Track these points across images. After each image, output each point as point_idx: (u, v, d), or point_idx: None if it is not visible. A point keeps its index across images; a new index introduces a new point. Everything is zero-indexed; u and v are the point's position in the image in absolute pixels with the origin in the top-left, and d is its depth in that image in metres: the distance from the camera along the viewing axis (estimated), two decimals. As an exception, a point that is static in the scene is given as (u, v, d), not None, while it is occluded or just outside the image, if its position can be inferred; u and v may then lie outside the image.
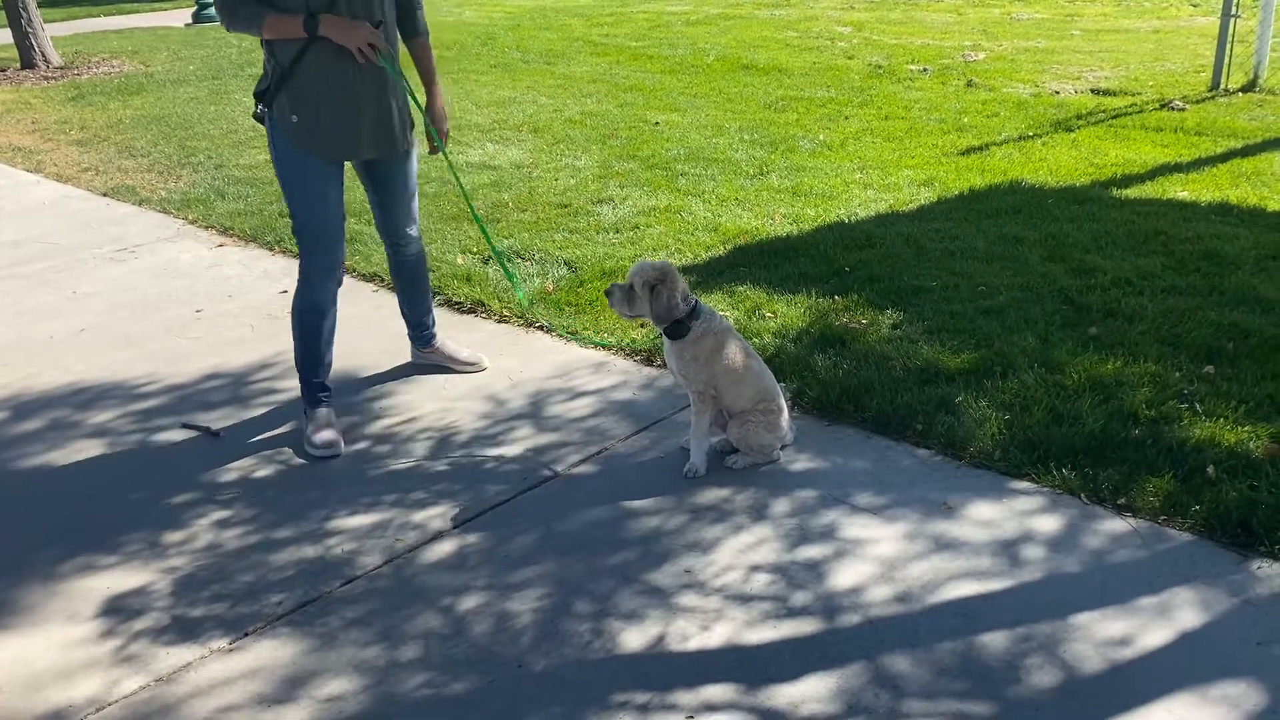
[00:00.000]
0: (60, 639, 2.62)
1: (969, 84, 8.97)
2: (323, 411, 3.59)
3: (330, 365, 3.65)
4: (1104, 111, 7.84)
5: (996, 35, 11.38)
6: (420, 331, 4.04)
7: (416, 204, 3.76)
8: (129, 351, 4.28)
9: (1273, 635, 2.49)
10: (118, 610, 2.72)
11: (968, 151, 6.91)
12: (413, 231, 3.79)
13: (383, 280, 4.96)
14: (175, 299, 4.84)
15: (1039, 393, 3.57)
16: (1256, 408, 3.40)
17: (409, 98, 3.53)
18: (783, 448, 3.36)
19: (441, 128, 3.69)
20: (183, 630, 2.63)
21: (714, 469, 3.31)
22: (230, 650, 2.56)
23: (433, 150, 3.72)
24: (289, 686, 2.42)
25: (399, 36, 3.52)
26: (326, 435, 3.50)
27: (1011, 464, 3.23)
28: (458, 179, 4.16)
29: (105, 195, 6.63)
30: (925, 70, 9.58)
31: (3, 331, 4.50)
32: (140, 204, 6.39)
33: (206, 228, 5.90)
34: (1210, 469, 3.08)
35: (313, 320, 3.55)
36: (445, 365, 4.05)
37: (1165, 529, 2.91)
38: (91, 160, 7.48)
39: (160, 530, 3.06)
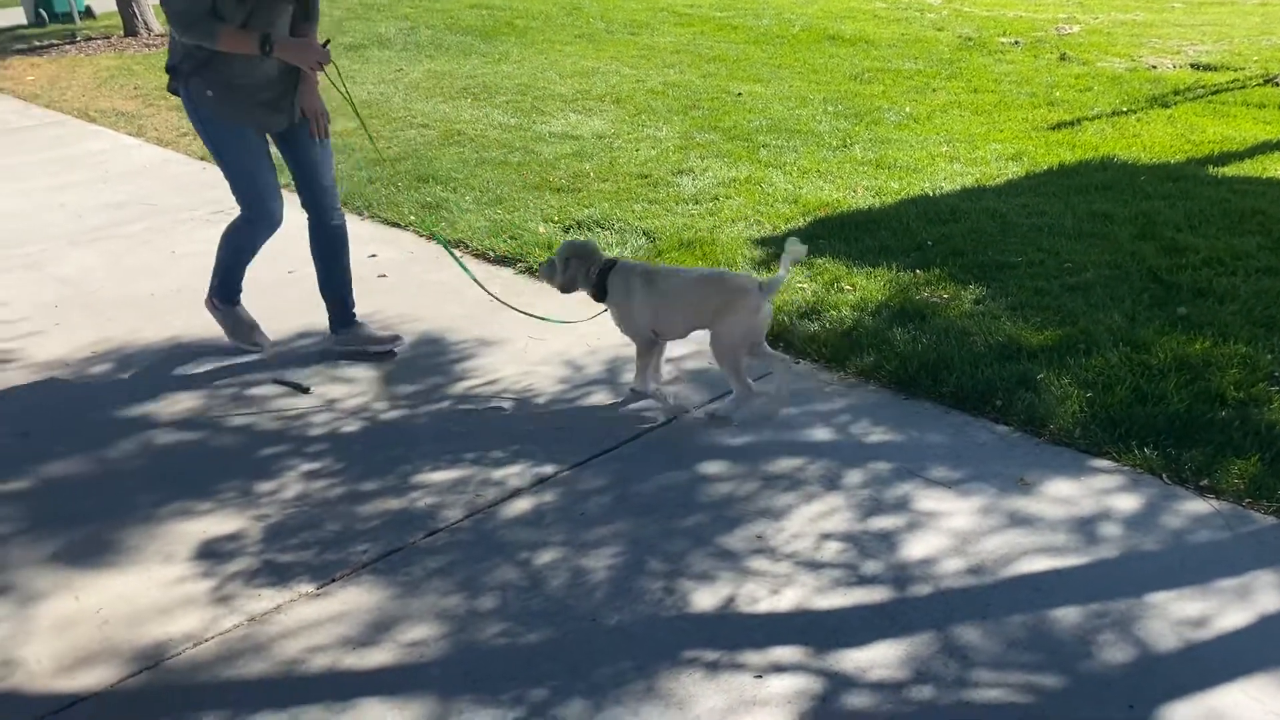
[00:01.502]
0: (160, 578, 2.76)
1: (1062, 57, 8.74)
2: (240, 310, 4.06)
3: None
4: (1203, 87, 7.58)
5: (1092, 8, 11.05)
6: (341, 311, 4.05)
7: (333, 176, 3.96)
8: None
9: (1359, 622, 2.43)
10: (212, 554, 2.86)
11: (1058, 126, 6.76)
12: (334, 203, 3.96)
13: (467, 246, 5.05)
14: (267, 259, 4.96)
15: (1123, 371, 3.51)
16: (1353, 392, 3.31)
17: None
18: (758, 377, 3.59)
19: (320, 122, 3.83)
20: (273, 574, 2.76)
21: (784, 443, 3.34)
22: (317, 595, 2.67)
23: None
24: (373, 631, 2.53)
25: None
26: (244, 333, 4.03)
27: (1092, 442, 3.20)
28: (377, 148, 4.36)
29: (202, 159, 6.84)
30: (1017, 43, 9.36)
31: (108, 288, 4.70)
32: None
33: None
34: (1300, 453, 3.01)
35: (247, 251, 3.99)
36: (363, 349, 4.03)
37: (1249, 511, 2.85)
38: (189, 125, 7.71)
39: (252, 480, 3.20)
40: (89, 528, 2.97)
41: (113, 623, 2.59)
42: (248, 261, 4.00)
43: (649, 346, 3.56)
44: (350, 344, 4.03)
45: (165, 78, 3.69)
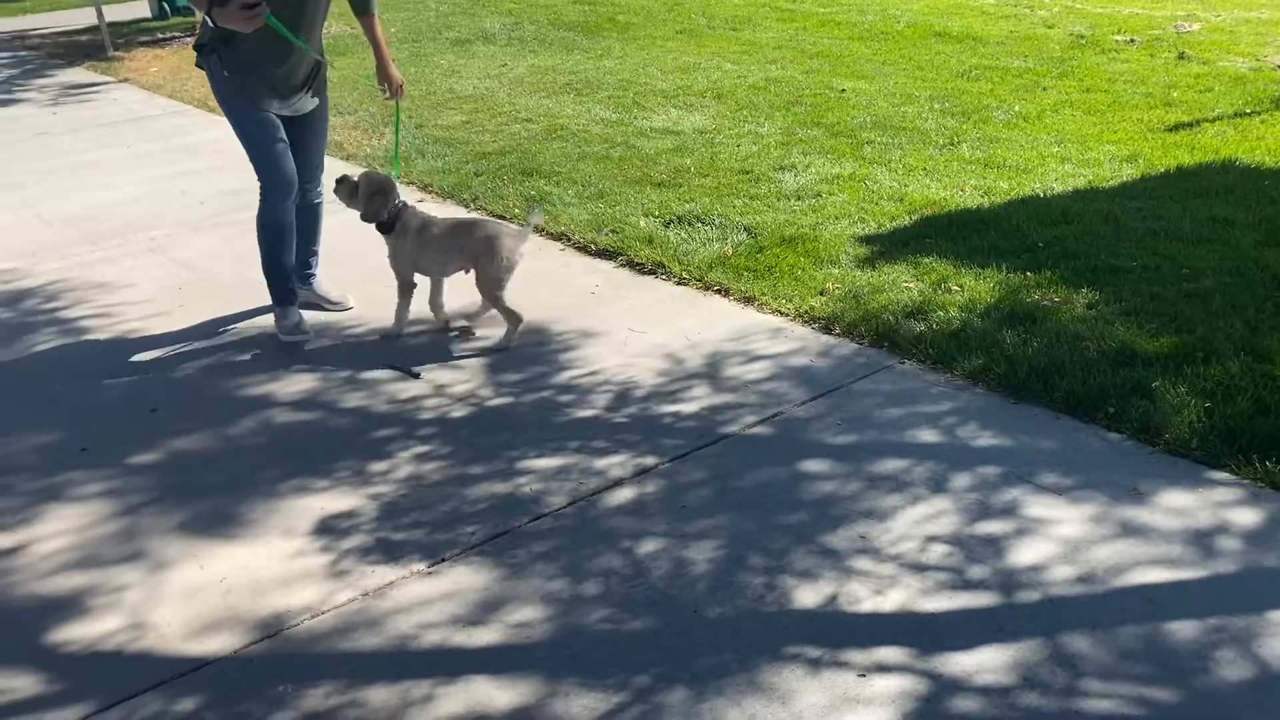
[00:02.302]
0: (279, 551, 2.87)
1: (1180, 56, 8.45)
2: (293, 309, 4.20)
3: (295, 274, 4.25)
4: (1334, 88, 7.25)
5: (1214, 5, 10.65)
6: (303, 270, 4.42)
7: (323, 154, 4.34)
8: (336, 294, 4.58)
9: None
10: (329, 529, 2.96)
11: (1176, 128, 6.54)
12: (318, 182, 4.35)
13: (569, 239, 5.12)
14: (379, 247, 5.13)
15: (1244, 381, 3.39)
16: None
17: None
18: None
19: (393, 85, 4.27)
20: (386, 551, 2.85)
21: (889, 444, 3.31)
22: (429, 573, 2.75)
23: (391, 96, 4.30)
24: (482, 610, 2.60)
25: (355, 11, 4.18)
26: (293, 325, 4.16)
27: (1209, 453, 3.10)
28: (397, 129, 4.70)
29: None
30: (1132, 41, 9.07)
31: (227, 271, 4.89)
32: (346, 159, 6.78)
33: (407, 184, 6.22)
34: None
35: (279, 234, 4.12)
36: (317, 304, 4.44)
37: (1380, 531, 2.74)
38: (303, 116, 7.95)
39: (366, 460, 3.30)
40: (213, 500, 3.11)
41: (236, 592, 2.71)
42: (285, 253, 4.16)
43: (407, 289, 4.18)
44: (305, 298, 4.40)
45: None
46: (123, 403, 3.73)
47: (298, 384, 3.82)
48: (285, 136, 3.99)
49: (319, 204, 4.39)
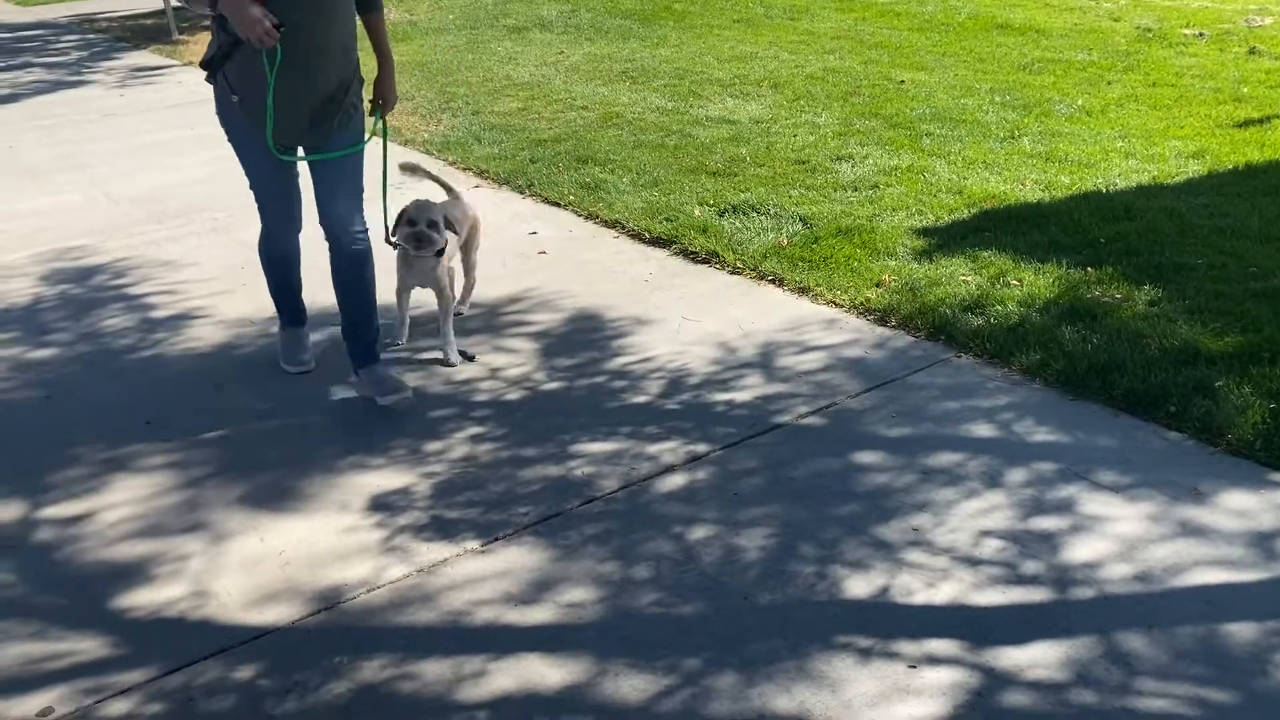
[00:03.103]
0: (336, 525, 2.93)
1: (1251, 51, 8.24)
2: (296, 331, 3.86)
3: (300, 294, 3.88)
4: None
5: (1288, -2, 10.37)
6: (353, 343, 3.61)
7: (360, 189, 3.53)
8: (390, 279, 4.64)
9: None
10: (385, 506, 3.01)
11: (1246, 124, 6.39)
12: (357, 224, 3.51)
13: (623, 227, 5.13)
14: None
15: (1312, 383, 3.32)
16: None
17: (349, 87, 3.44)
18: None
19: (388, 101, 3.64)
20: (440, 529, 2.89)
21: (944, 437, 3.29)
22: (482, 552, 2.79)
23: (376, 113, 3.63)
24: (534, 589, 2.63)
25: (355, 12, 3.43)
26: (294, 354, 3.81)
27: (1273, 455, 3.04)
28: (385, 149, 3.79)
29: (372, 136, 7.13)
30: (1201, 35, 8.87)
31: (288, 252, 4.97)
32: (405, 144, 6.85)
33: (464, 169, 6.27)
34: None
35: (280, 263, 3.76)
36: (372, 397, 3.58)
37: None
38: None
39: (421, 439, 3.35)
40: (272, 475, 3.18)
41: (294, 564, 2.77)
42: (290, 279, 3.77)
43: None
44: (363, 389, 3.61)
45: None
46: (187, 378, 3.81)
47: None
48: (294, 171, 3.50)
49: (361, 251, 3.51)
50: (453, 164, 6.38)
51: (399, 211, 3.76)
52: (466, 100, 7.84)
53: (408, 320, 4.08)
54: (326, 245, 3.53)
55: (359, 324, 3.58)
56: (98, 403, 3.65)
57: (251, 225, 5.41)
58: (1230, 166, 5.56)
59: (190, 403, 3.62)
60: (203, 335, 4.14)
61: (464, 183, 6.00)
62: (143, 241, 5.18)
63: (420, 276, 3.85)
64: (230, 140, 3.44)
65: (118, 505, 3.05)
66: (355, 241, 3.50)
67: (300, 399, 3.63)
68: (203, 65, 3.30)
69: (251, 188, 3.54)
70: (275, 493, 3.09)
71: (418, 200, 3.77)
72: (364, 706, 2.29)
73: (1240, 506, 2.85)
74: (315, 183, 3.46)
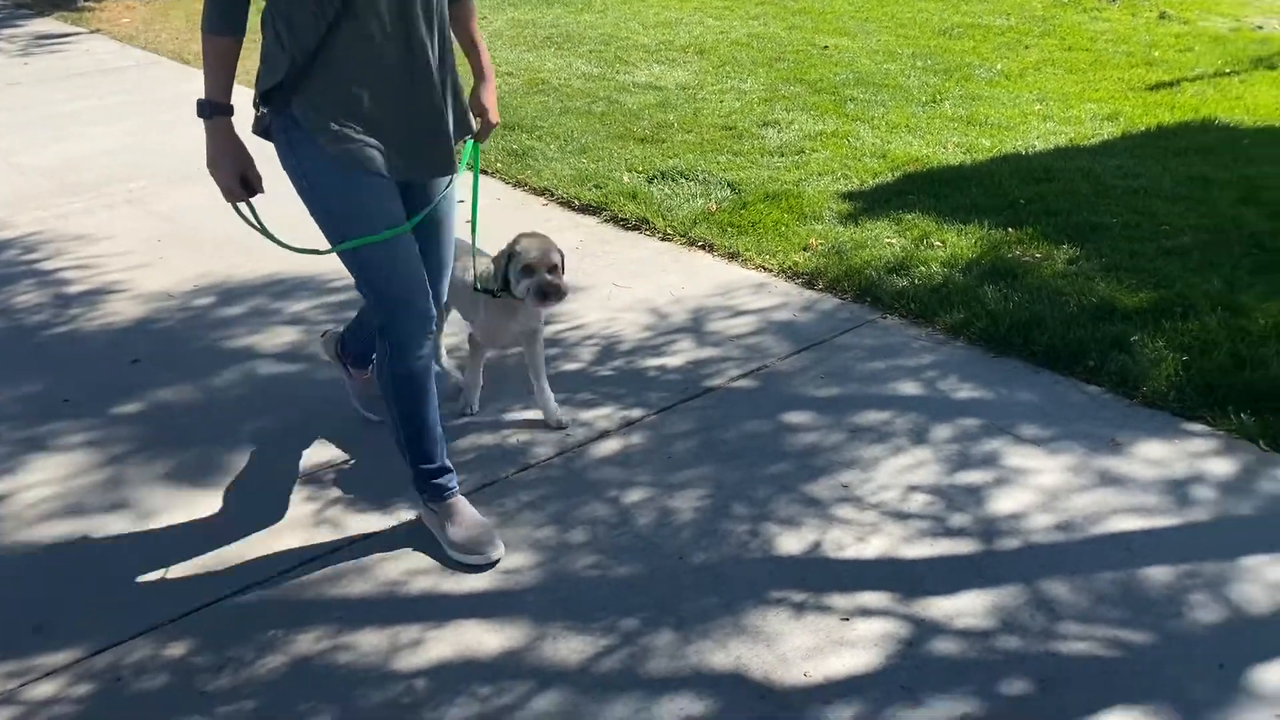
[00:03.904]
0: (266, 500, 2.88)
1: (1162, 16, 8.46)
2: (459, 502, 2.67)
3: (445, 445, 2.71)
4: (1313, 48, 7.29)
5: (1196, -36, 10.64)
6: (429, 477, 2.67)
7: (452, 250, 2.78)
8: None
9: None
10: (316, 480, 2.97)
11: (1157, 87, 6.56)
12: (439, 294, 2.74)
13: (552, 195, 5.10)
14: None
15: (1220, 336, 3.44)
16: None
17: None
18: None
19: (487, 119, 2.68)
20: (373, 501, 2.86)
21: (871, 396, 3.34)
22: (418, 521, 2.77)
23: (476, 135, 2.70)
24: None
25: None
26: (471, 535, 2.61)
27: (1186, 405, 3.16)
28: (475, 186, 2.95)
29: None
30: (1114, 0, 9.07)
31: (208, 225, 4.84)
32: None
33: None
34: (1407, 424, 2.95)
35: (412, 386, 2.58)
36: (441, 541, 2.66)
37: (1351, 481, 2.81)
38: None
39: (350, 412, 3.30)
40: (198, 450, 3.11)
41: (223, 539, 2.72)
42: (426, 412, 2.62)
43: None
44: (429, 523, 2.71)
45: (259, 21, 2.38)
46: (105, 354, 3.70)
47: (281, 336, 3.80)
48: (403, 211, 2.48)
49: (432, 351, 2.65)
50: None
51: (505, 253, 2.94)
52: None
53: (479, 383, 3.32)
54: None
55: (430, 444, 2.65)
56: (12, 381, 3.52)
57: (168, 197, 5.27)
58: (1142, 128, 5.71)
59: (109, 379, 3.52)
60: (120, 310, 4.02)
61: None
62: (54, 215, 5.00)
63: (522, 336, 3.12)
64: (312, 192, 2.42)
65: (36, 485, 2.96)
66: (431, 331, 2.62)
67: (224, 374, 3.55)
68: (263, 98, 2.35)
69: (361, 268, 2.47)
70: (200, 468, 3.03)
71: (532, 236, 2.94)
72: (300, 679, 2.27)
73: (1155, 456, 2.96)
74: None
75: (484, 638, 2.37)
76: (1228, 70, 6.88)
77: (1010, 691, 2.19)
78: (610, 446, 3.10)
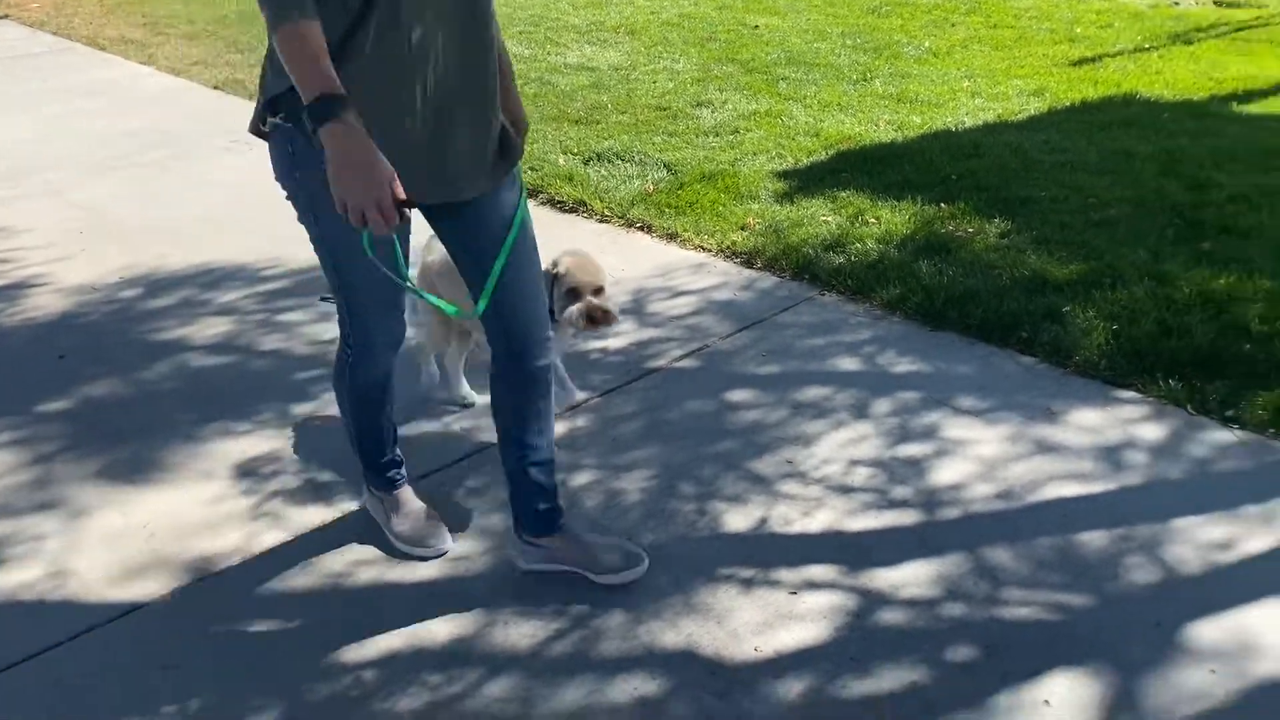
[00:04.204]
0: (202, 495, 2.81)
1: (1083, -7, 8.63)
2: (405, 493, 2.63)
3: (397, 435, 2.63)
4: (1226, 25, 7.50)
5: (1114, -58, 10.87)
6: (540, 512, 2.46)
7: (541, 281, 2.35)
8: (252, 237, 4.45)
9: (1380, 547, 2.49)
10: (253, 472, 2.91)
11: (1080, 63, 6.70)
12: (542, 329, 2.34)
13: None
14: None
15: (1148, 305, 3.53)
16: (1376, 327, 3.34)
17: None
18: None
19: (517, 122, 2.30)
20: (315, 492, 2.81)
21: (811, 373, 3.37)
22: (361, 512, 2.73)
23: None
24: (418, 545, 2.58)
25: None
26: (418, 526, 2.57)
27: (1117, 373, 3.23)
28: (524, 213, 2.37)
29: (217, 88, 6.80)
30: (1037, -22, 9.22)
31: (132, 215, 4.71)
32: (251, 98, 6.54)
33: (315, 122, 6.03)
34: (1324, 385, 3.06)
35: (375, 395, 2.48)
36: (580, 571, 2.46)
37: (1272, 442, 2.90)
38: (201, 54, 7.64)
39: (288, 402, 3.24)
40: (130, 446, 3.02)
41: (159, 536, 2.65)
42: (382, 416, 2.54)
43: None
44: (555, 561, 2.47)
45: (173, 5, 2.25)
46: (28, 351, 3.58)
47: (212, 327, 3.71)
48: (403, 245, 2.16)
49: (546, 367, 2.37)
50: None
51: (548, 273, 2.63)
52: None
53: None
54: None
55: (541, 475, 2.44)
56: (-72, 381, 3.40)
57: (89, 187, 5.10)
58: (1067, 103, 5.83)
59: (33, 376, 3.41)
60: (43, 305, 3.89)
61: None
62: (-34, 208, 4.82)
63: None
64: (311, 210, 2.14)
65: (-41, 488, 2.86)
66: (544, 353, 2.35)
67: (154, 367, 3.46)
68: (268, 107, 2.02)
69: (341, 286, 2.26)
70: (134, 465, 2.95)
71: (575, 255, 2.66)
72: (245, 676, 2.22)
73: (1089, 423, 3.03)
74: (477, 264, 2.24)
75: (433, 626, 2.35)
76: (1147, 46, 7.05)
77: (956, 658, 2.23)
78: (555, 430, 3.07)
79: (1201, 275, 3.71)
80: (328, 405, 3.21)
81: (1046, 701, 2.11)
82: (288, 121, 1.99)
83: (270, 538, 2.65)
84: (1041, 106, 5.80)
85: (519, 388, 2.36)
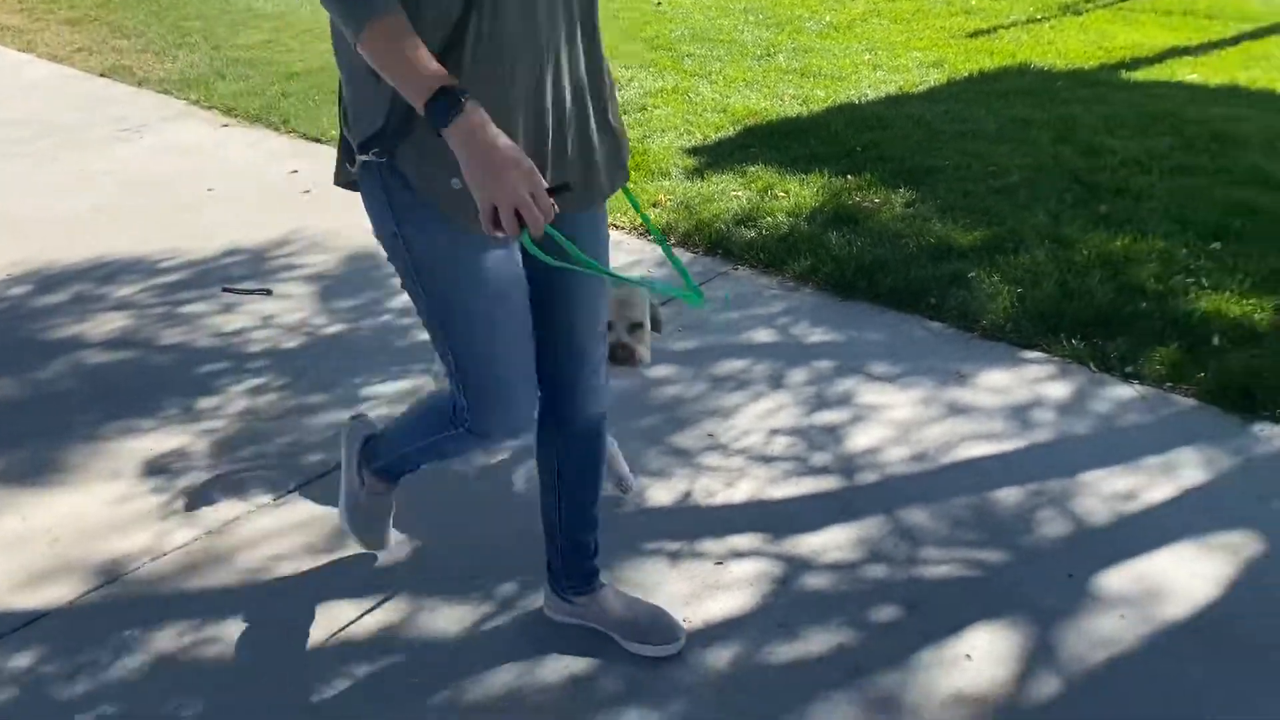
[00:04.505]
0: (108, 496, 2.71)
1: (976, -34, 8.81)
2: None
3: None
4: (1113, -6, 7.74)
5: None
6: (576, 561, 2.23)
7: (605, 320, 2.05)
8: (146, 228, 4.29)
9: (1272, 490, 2.61)
10: (161, 470, 2.81)
11: (976, 34, 6.85)
12: (598, 375, 2.04)
13: (392, 160, 4.94)
14: (185, 178, 4.83)
15: (1049, 268, 3.64)
16: (1262, 282, 3.49)
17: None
18: None
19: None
20: (227, 487, 2.73)
21: (728, 346, 3.39)
22: (276, 505, 2.66)
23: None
24: (338, 537, 2.52)
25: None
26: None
27: (1022, 335, 3.32)
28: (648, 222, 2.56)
29: (103, 75, 6.52)
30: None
31: (20, 207, 4.50)
32: (139, 84, 6.30)
33: (209, 108, 5.84)
34: (1215, 339, 3.18)
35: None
36: (612, 632, 2.24)
37: (1170, 395, 3.01)
38: (83, 40, 7.33)
39: (194, 397, 3.14)
40: (27, 449, 2.90)
41: (64, 540, 2.55)
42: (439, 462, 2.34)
43: None
44: (582, 617, 2.26)
45: None
46: (-91, 354, 3.40)
47: (109, 323, 3.57)
48: (525, 285, 1.85)
49: (603, 416, 2.12)
50: (195, 103, 5.93)
51: None
52: (204, 34, 7.29)
53: None
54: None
55: (586, 528, 2.21)
56: None
57: (-32, 181, 4.85)
58: (966, 74, 5.95)
59: (-83, 380, 3.24)
60: (-77, 305, 3.70)
61: (211, 122, 5.60)
62: None
63: None
64: (416, 272, 1.79)
65: None
66: (602, 399, 2.09)
67: (50, 366, 3.31)
68: (363, 148, 1.70)
69: (462, 366, 1.86)
70: (33, 468, 2.82)
71: (620, 288, 2.34)
72: (163, 678, 2.15)
73: (998, 384, 3.11)
74: (554, 293, 1.93)
75: (358, 616, 2.30)
76: (1039, 17, 7.24)
77: (880, 619, 2.28)
78: (473, 413, 3.04)
79: (1099, 238, 3.83)
80: (235, 399, 3.12)
81: (968, 656, 2.17)
82: (382, 157, 1.68)
83: (181, 535, 2.56)
84: (941, 78, 5.91)
85: (574, 435, 2.12)
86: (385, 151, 1.68)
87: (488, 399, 1.89)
